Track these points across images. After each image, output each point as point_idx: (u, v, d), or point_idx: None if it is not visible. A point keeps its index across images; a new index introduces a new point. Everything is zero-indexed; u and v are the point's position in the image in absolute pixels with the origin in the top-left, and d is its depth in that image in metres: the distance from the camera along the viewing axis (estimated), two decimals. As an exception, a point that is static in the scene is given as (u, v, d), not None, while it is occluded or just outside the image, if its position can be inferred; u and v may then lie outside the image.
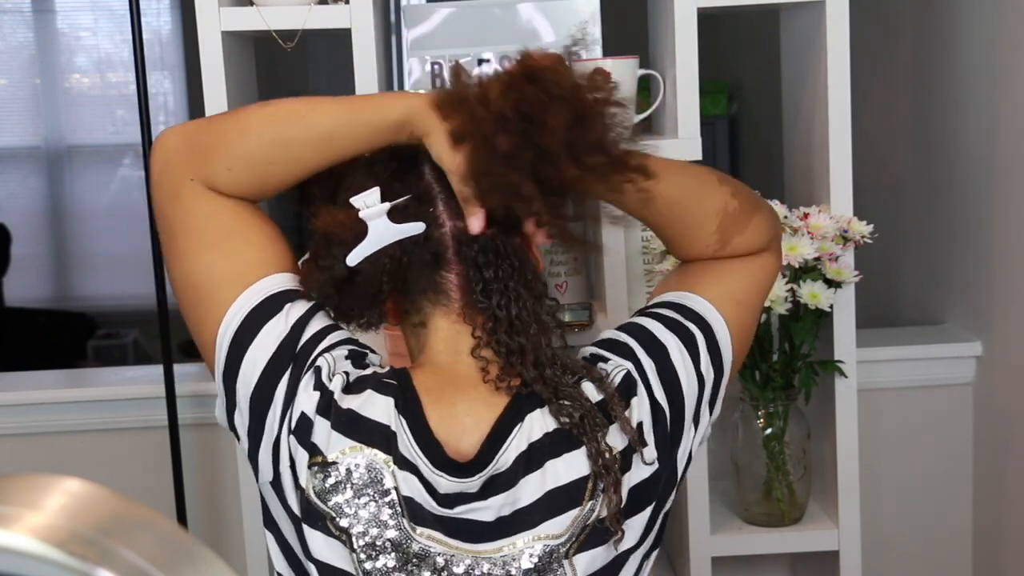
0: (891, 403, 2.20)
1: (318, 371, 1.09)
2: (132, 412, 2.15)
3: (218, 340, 1.10)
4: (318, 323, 1.12)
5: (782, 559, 2.17)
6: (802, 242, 1.71)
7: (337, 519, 1.06)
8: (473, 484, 1.07)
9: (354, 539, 1.05)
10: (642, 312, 1.20)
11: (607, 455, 1.07)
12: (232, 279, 1.10)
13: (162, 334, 2.02)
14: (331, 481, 1.06)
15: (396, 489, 1.06)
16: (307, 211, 1.14)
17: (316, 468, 1.06)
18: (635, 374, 1.12)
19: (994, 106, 2.09)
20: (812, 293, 1.73)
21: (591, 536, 1.08)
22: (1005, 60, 2.04)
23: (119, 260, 5.78)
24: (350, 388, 1.09)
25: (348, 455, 1.06)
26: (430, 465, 1.07)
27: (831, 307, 1.77)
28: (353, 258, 1.08)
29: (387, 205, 1.08)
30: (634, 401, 1.11)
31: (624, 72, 1.80)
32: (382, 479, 1.06)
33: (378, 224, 1.08)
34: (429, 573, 1.06)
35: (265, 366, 1.09)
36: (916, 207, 2.49)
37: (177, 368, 2.05)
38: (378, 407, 1.08)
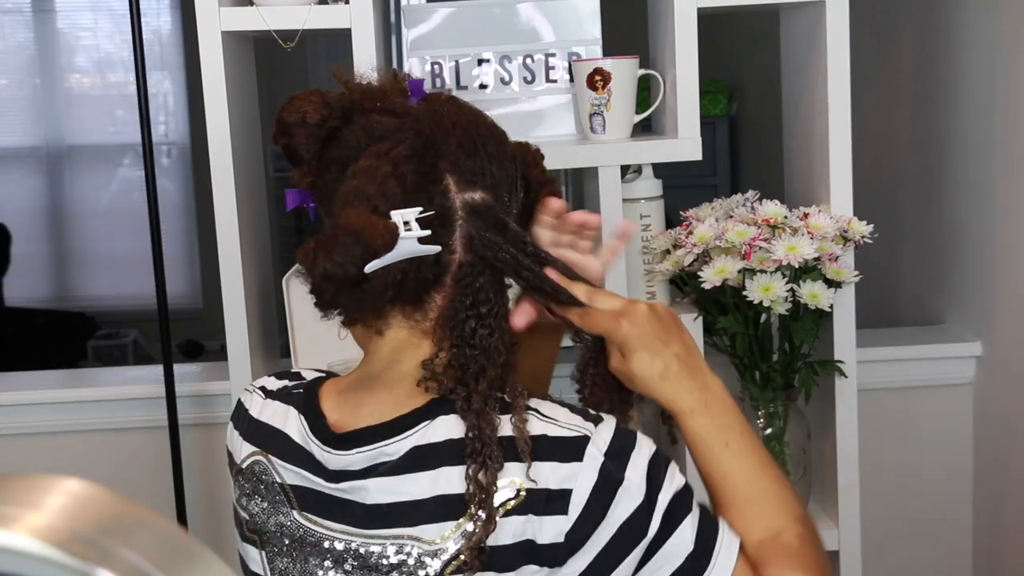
0: (891, 403, 2.20)
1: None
2: (132, 412, 2.15)
3: None
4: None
5: (782, 559, 2.17)
6: (802, 242, 1.70)
7: (250, 521, 1.15)
8: (355, 460, 1.07)
9: (262, 540, 1.14)
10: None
11: (486, 485, 1.02)
12: None
13: (162, 334, 2.02)
14: (243, 488, 1.16)
15: (281, 484, 1.12)
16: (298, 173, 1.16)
17: (235, 481, 1.17)
18: (597, 450, 1.03)
19: (994, 106, 2.09)
20: (812, 293, 1.72)
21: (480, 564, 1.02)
22: (1005, 60, 2.04)
23: (119, 260, 5.78)
24: (264, 404, 1.18)
25: (250, 460, 1.15)
26: (320, 444, 1.10)
27: (831, 307, 1.77)
28: (372, 266, 1.07)
29: (425, 232, 1.08)
30: (574, 465, 1.02)
31: (624, 72, 1.80)
32: (272, 477, 1.13)
33: (406, 241, 1.08)
34: (312, 556, 1.09)
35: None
36: (916, 207, 2.49)
37: (177, 368, 2.05)
38: (278, 413, 1.15)
